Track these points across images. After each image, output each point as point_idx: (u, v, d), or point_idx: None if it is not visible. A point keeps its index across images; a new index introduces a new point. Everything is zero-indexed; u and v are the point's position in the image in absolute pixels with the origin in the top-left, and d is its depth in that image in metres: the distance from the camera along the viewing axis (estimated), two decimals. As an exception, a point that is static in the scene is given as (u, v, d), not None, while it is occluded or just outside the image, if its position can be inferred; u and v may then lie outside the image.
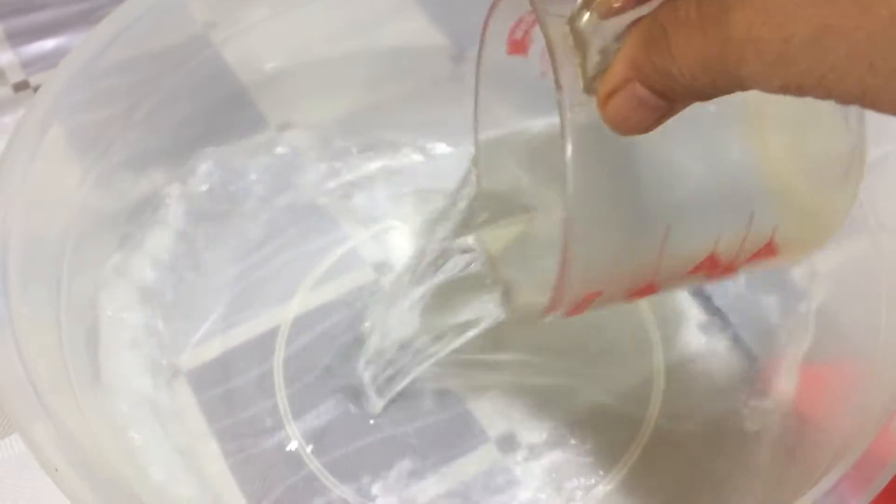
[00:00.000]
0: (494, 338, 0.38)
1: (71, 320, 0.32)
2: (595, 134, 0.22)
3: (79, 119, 0.34)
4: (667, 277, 0.26)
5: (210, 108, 0.41)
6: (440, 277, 0.33)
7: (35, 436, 0.24)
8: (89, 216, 0.35)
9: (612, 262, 0.25)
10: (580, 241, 0.23)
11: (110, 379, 0.34)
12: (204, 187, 0.41)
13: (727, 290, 0.40)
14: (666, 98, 0.19)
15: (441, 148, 0.46)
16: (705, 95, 0.19)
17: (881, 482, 0.25)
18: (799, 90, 0.17)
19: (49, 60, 0.52)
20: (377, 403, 0.36)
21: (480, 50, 0.30)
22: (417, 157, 0.46)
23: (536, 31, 0.29)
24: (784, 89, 0.17)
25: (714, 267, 0.26)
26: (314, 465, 0.35)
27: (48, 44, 0.53)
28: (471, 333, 0.33)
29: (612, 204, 0.24)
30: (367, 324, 0.38)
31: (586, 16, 0.22)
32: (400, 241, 0.43)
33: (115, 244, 0.38)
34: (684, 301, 0.40)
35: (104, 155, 0.36)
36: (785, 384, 0.37)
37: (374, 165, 0.46)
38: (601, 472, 0.35)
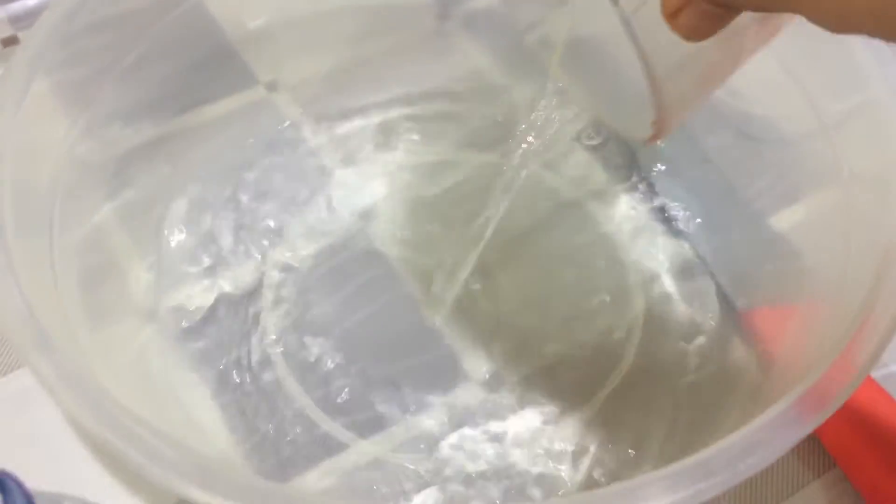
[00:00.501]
0: (483, 281, 0.40)
1: (64, 267, 0.32)
2: None
3: (63, 71, 0.34)
4: None
5: (196, 62, 0.42)
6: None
7: (42, 368, 0.25)
8: (77, 167, 0.35)
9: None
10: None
11: (99, 326, 0.34)
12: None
13: (706, 236, 0.41)
14: (726, 8, 0.22)
15: (426, 99, 0.47)
16: (760, 8, 0.22)
17: (836, 403, 0.26)
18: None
19: (37, 16, 0.52)
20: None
21: None
22: (404, 110, 0.47)
23: None
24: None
25: None
26: (303, 401, 0.36)
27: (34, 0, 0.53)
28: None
29: None
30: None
31: None
32: (385, 189, 0.44)
33: (104, 195, 0.39)
34: (663, 242, 0.41)
35: (90, 106, 0.36)
36: (756, 323, 0.38)
37: (360, 117, 0.46)
38: (582, 399, 0.36)
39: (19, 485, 0.19)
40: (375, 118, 0.47)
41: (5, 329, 0.25)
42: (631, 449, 0.35)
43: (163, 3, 0.40)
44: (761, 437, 0.25)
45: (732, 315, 0.39)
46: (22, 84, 0.31)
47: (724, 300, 0.39)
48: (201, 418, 0.36)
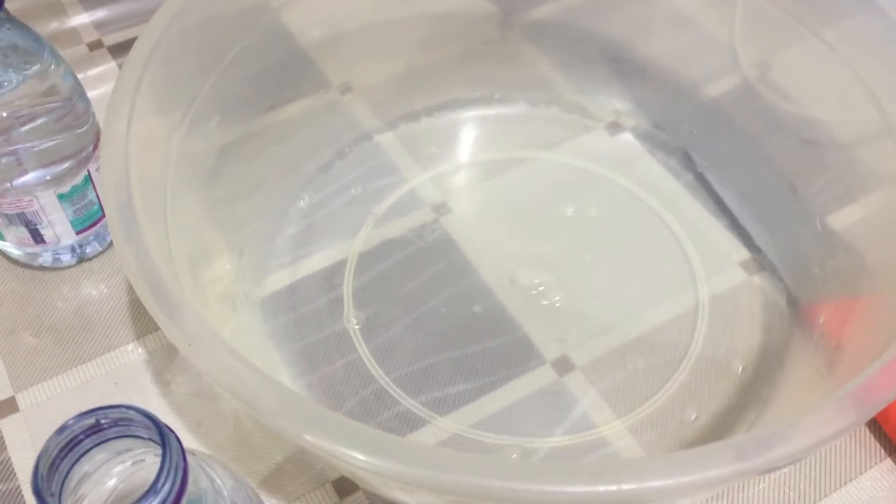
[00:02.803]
0: (553, 270, 0.41)
1: (175, 251, 0.34)
2: None
3: (165, 76, 0.37)
4: None
5: (277, 66, 0.44)
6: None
7: (166, 321, 0.27)
8: (180, 159, 0.37)
9: None
10: None
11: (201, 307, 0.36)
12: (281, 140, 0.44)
13: (767, 233, 0.43)
14: None
15: (493, 101, 0.49)
16: None
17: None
18: None
19: (120, 22, 0.55)
20: None
21: None
22: (472, 110, 0.49)
23: None
24: None
25: None
26: (384, 380, 0.38)
27: (118, 7, 0.56)
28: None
29: None
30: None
31: None
32: (457, 185, 0.46)
33: (199, 187, 0.41)
34: (726, 240, 0.43)
35: (191, 105, 0.39)
36: (817, 315, 0.39)
37: (429, 118, 0.49)
38: (650, 391, 0.38)
39: (178, 439, 0.21)
40: (443, 119, 0.49)
41: (145, 298, 0.27)
42: (696, 435, 0.37)
43: (247, 15, 0.42)
44: (822, 418, 0.26)
45: (795, 308, 0.40)
46: (135, 82, 0.34)
47: (787, 294, 0.41)
48: (289, 394, 0.37)
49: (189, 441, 0.37)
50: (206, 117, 0.39)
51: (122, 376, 0.39)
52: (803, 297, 0.40)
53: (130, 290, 0.42)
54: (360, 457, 0.24)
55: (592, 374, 0.38)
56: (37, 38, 0.37)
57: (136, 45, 0.35)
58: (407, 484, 0.24)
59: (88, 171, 0.40)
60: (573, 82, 0.50)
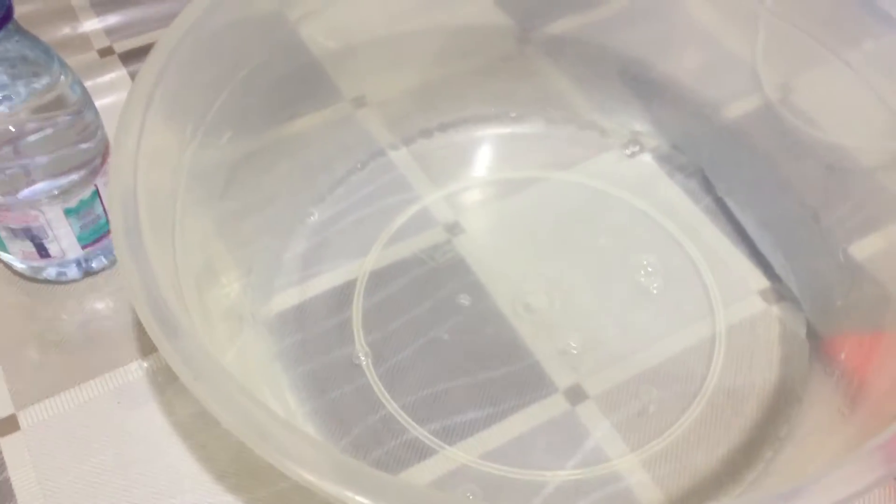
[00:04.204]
0: (568, 295, 0.40)
1: (182, 268, 0.33)
2: None
3: (178, 90, 0.36)
4: None
5: (290, 79, 0.43)
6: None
7: (172, 352, 0.26)
8: (190, 174, 0.36)
9: None
10: None
11: (208, 324, 0.36)
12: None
13: (787, 262, 0.42)
14: None
15: (509, 118, 0.48)
16: None
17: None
18: None
19: (132, 29, 0.55)
20: None
21: None
22: (487, 127, 0.48)
23: None
24: None
25: None
26: (392, 406, 0.37)
27: (130, 13, 0.55)
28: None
29: None
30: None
31: None
32: (470, 204, 0.45)
33: (207, 203, 0.40)
34: (745, 268, 0.42)
35: (202, 119, 0.38)
36: (839, 349, 0.38)
37: (444, 134, 0.48)
38: (664, 424, 0.37)
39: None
40: (459, 136, 0.48)
41: (146, 320, 0.27)
42: (711, 472, 0.36)
43: (262, 27, 0.41)
44: (850, 474, 0.25)
45: (815, 342, 0.39)
46: (147, 95, 0.33)
47: (807, 326, 0.40)
48: (295, 419, 0.37)
49: (191, 463, 0.36)
50: (218, 132, 0.38)
51: (125, 395, 0.38)
52: (824, 330, 0.39)
53: (136, 305, 0.41)
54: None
55: (605, 405, 0.37)
56: (46, 50, 0.37)
57: (149, 58, 0.34)
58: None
59: (96, 185, 0.39)
60: (591, 101, 0.49)
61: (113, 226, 0.30)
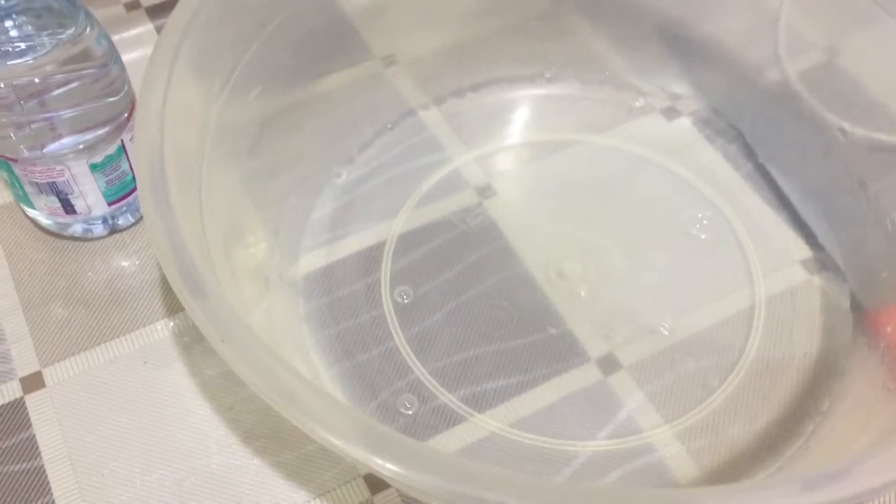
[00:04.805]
0: (603, 262, 0.39)
1: (209, 227, 0.32)
2: None
3: (211, 37, 0.35)
4: None
5: (318, 35, 0.42)
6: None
7: (199, 313, 0.25)
8: (218, 131, 0.35)
9: None
10: None
11: (235, 284, 0.35)
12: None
13: (831, 231, 0.40)
14: None
15: (543, 79, 0.47)
16: None
17: None
18: None
19: (158, -18, 0.53)
20: None
21: None
22: (521, 88, 0.47)
23: None
24: None
25: None
26: (420, 371, 0.37)
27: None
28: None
29: None
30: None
31: None
32: (502, 166, 0.44)
33: (235, 161, 0.39)
34: (787, 236, 0.41)
35: (230, 75, 0.37)
36: (884, 322, 0.37)
37: (476, 95, 0.47)
38: (700, 396, 0.36)
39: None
40: (491, 96, 0.47)
41: (173, 279, 0.26)
42: (748, 446, 0.35)
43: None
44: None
45: (859, 314, 0.38)
46: (174, 49, 0.32)
47: (851, 298, 0.38)
48: (322, 382, 0.36)
49: (218, 425, 0.36)
50: (246, 88, 0.37)
51: (150, 354, 0.38)
52: (869, 303, 0.38)
53: (162, 264, 0.41)
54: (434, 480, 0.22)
55: (639, 375, 0.36)
56: (71, 0, 0.36)
57: (175, 11, 0.33)
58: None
59: (122, 140, 0.38)
60: (629, 62, 0.47)
61: (139, 182, 0.29)
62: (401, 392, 0.36)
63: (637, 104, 0.46)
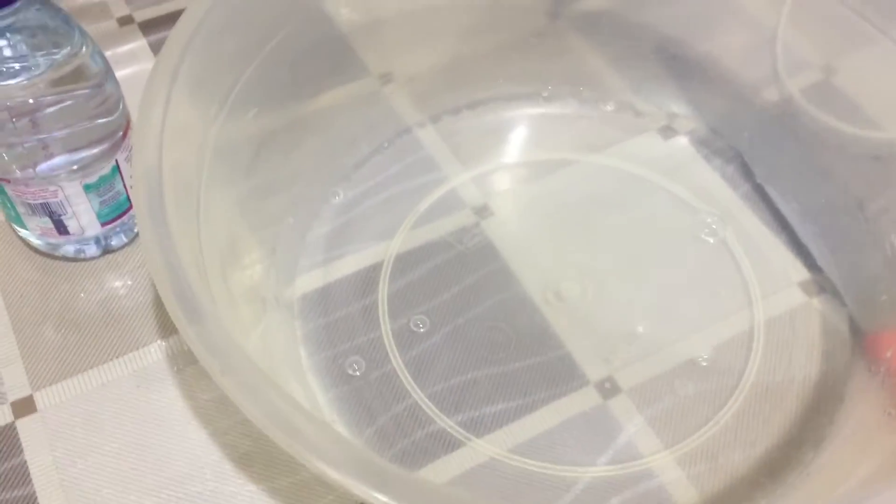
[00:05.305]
0: (602, 285, 0.39)
1: (207, 249, 0.32)
2: None
3: (203, 66, 0.35)
4: None
5: (317, 54, 0.42)
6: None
7: (196, 339, 0.25)
8: (216, 152, 0.35)
9: None
10: None
11: (232, 307, 0.35)
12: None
13: (830, 253, 0.40)
14: None
15: (540, 97, 0.46)
16: None
17: None
18: None
19: (152, -3, 0.53)
20: None
21: None
22: (518, 107, 0.46)
23: None
24: None
25: None
26: (418, 395, 0.36)
27: (150, -20, 0.54)
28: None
29: None
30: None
31: None
32: (500, 186, 0.43)
33: (232, 182, 0.39)
34: (785, 258, 0.40)
35: (228, 95, 0.36)
36: (884, 347, 0.37)
37: (472, 113, 0.46)
38: (700, 420, 0.36)
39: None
40: (488, 115, 0.47)
41: (170, 303, 0.26)
42: (749, 471, 0.35)
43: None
44: None
45: (858, 338, 0.38)
46: (173, 69, 0.31)
47: (850, 321, 0.38)
48: (319, 406, 0.36)
49: (212, 450, 0.35)
50: (243, 108, 0.37)
51: (144, 377, 0.37)
52: (868, 326, 0.38)
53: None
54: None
55: (639, 399, 0.36)
56: (66, 19, 0.35)
57: (174, 31, 0.33)
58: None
59: (116, 160, 0.38)
60: (626, 81, 0.47)
61: (136, 204, 0.28)
62: (398, 417, 0.36)
63: (634, 123, 0.46)
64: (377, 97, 0.46)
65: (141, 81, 0.31)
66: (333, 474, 0.23)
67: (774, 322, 0.38)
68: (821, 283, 0.40)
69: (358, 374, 0.37)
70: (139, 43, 0.50)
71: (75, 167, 0.36)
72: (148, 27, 0.51)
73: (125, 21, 0.52)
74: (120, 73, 0.39)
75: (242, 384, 0.24)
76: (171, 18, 0.51)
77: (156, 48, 0.50)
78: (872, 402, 0.34)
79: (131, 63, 0.49)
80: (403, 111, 0.46)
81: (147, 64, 0.49)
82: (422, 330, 0.38)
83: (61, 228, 0.38)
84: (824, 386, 0.36)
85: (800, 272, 0.40)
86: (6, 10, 0.33)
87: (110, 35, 0.51)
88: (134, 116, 0.38)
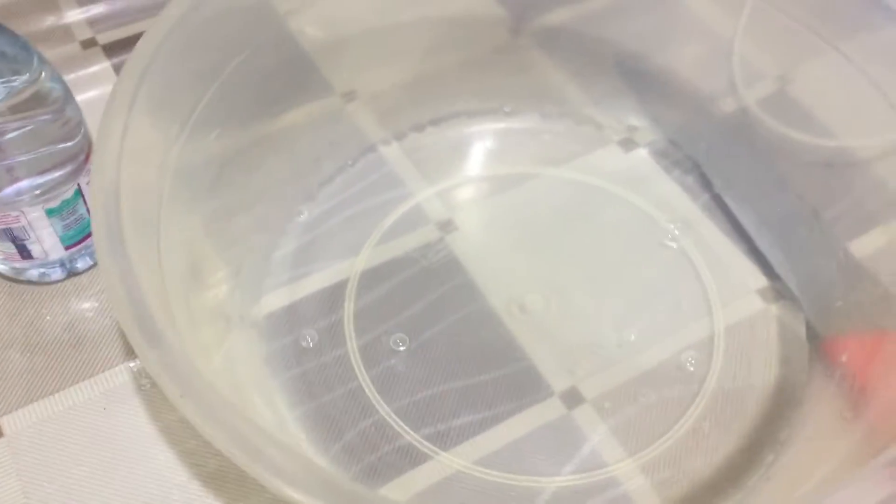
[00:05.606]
0: (564, 297, 0.40)
1: (168, 268, 0.32)
2: None
3: (163, 88, 0.35)
4: None
5: (278, 73, 0.42)
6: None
7: (155, 364, 0.25)
8: (176, 173, 0.35)
9: None
10: None
11: (195, 327, 0.35)
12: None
13: (786, 260, 0.41)
14: None
15: (502, 112, 0.47)
16: None
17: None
18: None
19: (115, 20, 0.53)
20: None
21: None
22: (481, 122, 0.47)
23: None
24: None
25: None
26: (384, 410, 0.36)
27: (113, 3, 0.54)
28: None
29: None
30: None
31: None
32: (463, 201, 0.44)
33: (194, 202, 0.39)
34: (744, 266, 0.41)
35: (189, 117, 0.37)
36: (839, 351, 0.37)
37: (436, 129, 0.47)
38: (663, 428, 0.36)
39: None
40: (451, 130, 0.47)
41: (129, 330, 0.26)
42: (711, 477, 0.35)
43: (257, 16, 0.40)
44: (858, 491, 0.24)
45: (815, 343, 0.38)
46: (132, 91, 0.32)
47: (807, 326, 0.39)
48: (285, 424, 0.36)
49: (180, 471, 0.35)
50: (205, 129, 0.37)
51: (111, 399, 0.37)
52: (824, 331, 0.38)
53: (122, 307, 0.40)
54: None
55: (602, 409, 0.37)
56: (25, 46, 0.35)
57: (133, 53, 0.33)
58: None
59: (79, 184, 0.38)
60: (587, 95, 0.48)
61: (94, 227, 0.29)
62: (365, 432, 0.36)
63: (595, 136, 0.47)
64: (341, 115, 0.46)
65: (104, 104, 0.31)
66: (295, 495, 0.23)
67: (734, 329, 0.39)
68: (778, 289, 0.41)
69: (324, 390, 0.37)
70: (103, 65, 0.50)
71: (38, 192, 0.37)
72: (111, 49, 0.51)
73: (89, 44, 0.52)
74: (83, 96, 0.39)
75: (201, 407, 0.24)
76: (134, 41, 0.50)
77: (119, 70, 0.50)
78: (829, 406, 0.35)
79: (95, 86, 0.49)
80: (367, 129, 0.46)
81: (110, 86, 0.49)
82: (388, 346, 0.38)
83: (24, 253, 0.38)
84: (783, 391, 0.37)
85: (758, 279, 0.41)
86: (-36, 38, 0.33)
87: (74, 58, 0.51)
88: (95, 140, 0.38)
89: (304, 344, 0.39)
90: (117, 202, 0.29)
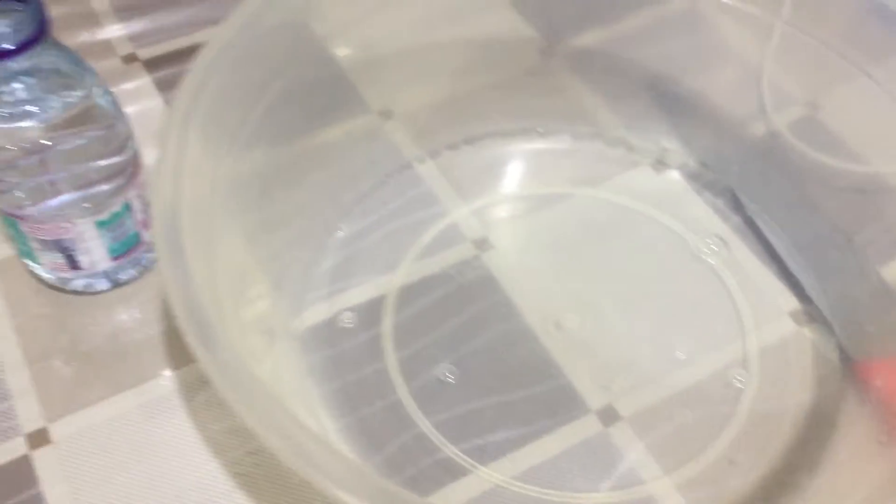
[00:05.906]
0: (600, 315, 0.40)
1: (221, 280, 0.33)
2: None
3: (214, 108, 0.36)
4: None
5: (318, 92, 0.43)
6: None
7: (214, 373, 0.26)
8: (226, 188, 0.36)
9: None
10: None
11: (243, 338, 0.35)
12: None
13: (819, 284, 0.42)
14: None
15: (536, 133, 0.48)
16: None
17: None
18: None
19: (155, 36, 0.54)
20: None
21: None
22: (514, 142, 0.48)
23: None
24: None
25: None
26: (424, 425, 0.37)
27: (154, 19, 0.55)
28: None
29: None
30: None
31: None
32: (498, 219, 0.45)
33: (240, 215, 0.40)
34: (776, 288, 0.42)
35: (237, 133, 0.38)
36: (873, 375, 0.38)
37: (470, 148, 0.48)
38: (698, 447, 0.37)
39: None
40: (485, 150, 0.48)
41: (188, 333, 0.27)
42: (746, 497, 0.36)
43: (297, 38, 0.41)
44: None
45: (848, 366, 0.39)
46: (187, 110, 0.33)
47: (839, 350, 0.40)
48: (328, 436, 0.37)
49: (224, 480, 0.36)
50: (250, 146, 0.38)
51: (155, 408, 0.38)
52: (857, 355, 0.39)
53: (165, 317, 0.41)
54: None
55: (639, 427, 0.37)
56: (78, 62, 0.36)
57: (188, 74, 0.34)
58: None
59: (127, 197, 0.39)
60: (618, 116, 0.49)
61: (156, 239, 0.29)
62: (405, 445, 0.37)
63: (628, 158, 0.47)
64: (377, 133, 0.47)
65: (146, 119, 0.32)
66: (354, 502, 0.24)
67: (768, 351, 0.40)
68: (811, 312, 0.41)
69: (364, 403, 0.38)
70: (144, 80, 0.51)
71: (87, 204, 0.37)
72: (152, 65, 0.52)
73: (129, 59, 0.53)
74: (125, 111, 0.40)
75: (263, 415, 0.25)
76: (174, 56, 0.53)
77: (160, 85, 0.51)
78: (864, 431, 0.36)
79: (136, 100, 0.50)
80: (403, 147, 0.47)
81: (151, 101, 0.50)
82: (426, 360, 0.39)
83: (73, 263, 0.39)
84: (817, 414, 0.38)
85: (790, 302, 0.42)
86: (25, 55, 0.34)
87: (115, 72, 0.52)
88: (143, 154, 0.39)
89: (344, 357, 0.39)
90: (176, 215, 0.30)
